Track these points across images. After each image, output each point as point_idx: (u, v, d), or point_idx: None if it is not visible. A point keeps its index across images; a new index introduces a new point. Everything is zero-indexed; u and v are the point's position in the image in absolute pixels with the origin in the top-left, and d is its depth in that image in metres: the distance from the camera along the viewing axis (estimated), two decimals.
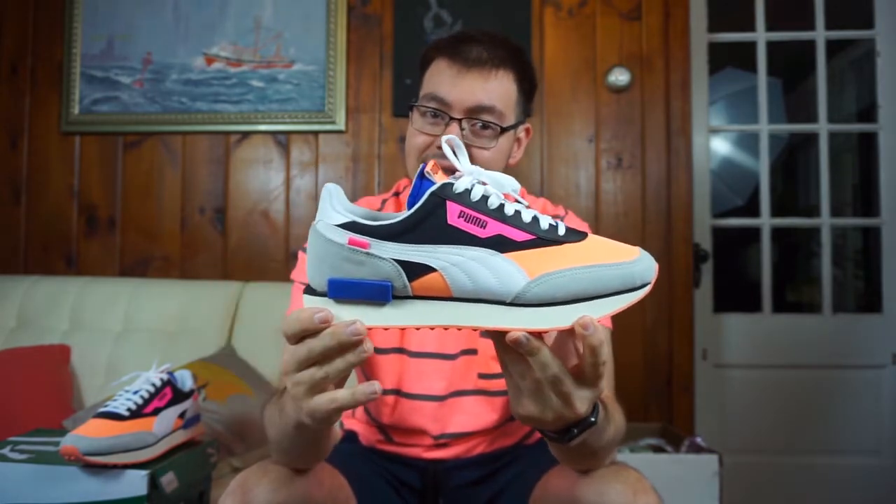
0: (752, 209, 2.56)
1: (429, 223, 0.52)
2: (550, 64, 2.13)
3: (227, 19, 2.18)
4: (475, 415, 0.99)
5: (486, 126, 0.93)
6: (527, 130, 1.03)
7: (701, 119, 2.25)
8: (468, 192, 0.54)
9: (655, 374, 2.06)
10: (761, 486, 2.26)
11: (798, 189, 3.63)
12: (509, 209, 0.54)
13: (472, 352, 0.98)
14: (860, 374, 2.28)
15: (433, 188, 0.53)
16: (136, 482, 0.94)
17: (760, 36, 2.35)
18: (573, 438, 0.61)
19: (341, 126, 2.14)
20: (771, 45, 2.36)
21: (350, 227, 0.53)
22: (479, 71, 0.93)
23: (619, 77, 2.10)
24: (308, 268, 0.55)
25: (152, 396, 1.04)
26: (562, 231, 0.54)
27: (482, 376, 0.98)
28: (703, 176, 2.26)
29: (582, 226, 1.03)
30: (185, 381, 1.12)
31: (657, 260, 0.58)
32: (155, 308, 1.87)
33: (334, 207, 0.54)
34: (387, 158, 2.15)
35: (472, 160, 0.92)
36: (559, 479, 0.84)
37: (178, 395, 1.08)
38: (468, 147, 0.92)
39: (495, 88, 0.93)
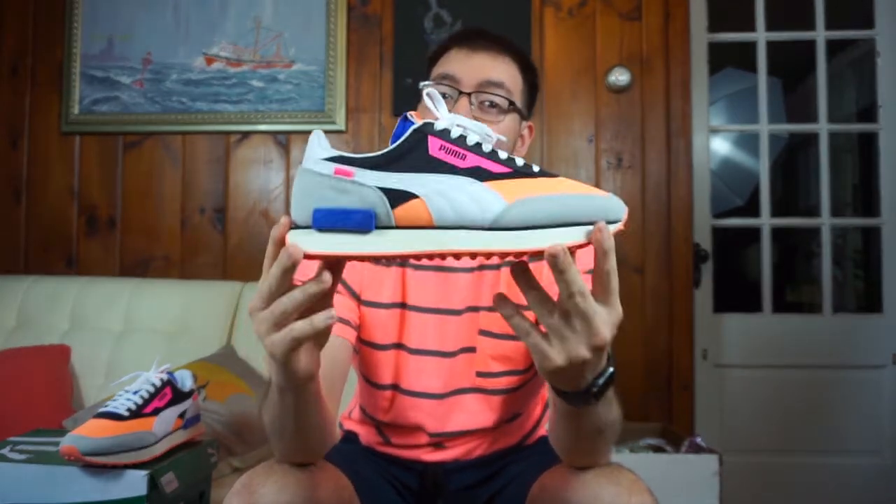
0: (752, 209, 2.56)
1: (411, 155, 0.55)
2: (550, 64, 2.13)
3: (227, 19, 2.19)
4: (474, 413, 0.99)
5: (492, 104, 0.96)
6: (529, 128, 1.05)
7: (701, 119, 2.25)
8: (447, 130, 0.56)
9: (655, 374, 2.06)
10: (761, 486, 2.26)
11: (798, 189, 3.63)
12: (486, 147, 0.56)
13: (471, 350, 0.99)
14: (860, 374, 2.28)
15: (415, 125, 0.56)
16: (136, 482, 0.94)
17: (760, 36, 2.35)
18: (599, 393, 0.62)
19: (341, 126, 2.14)
20: (771, 45, 2.36)
21: (335, 160, 0.55)
22: (488, 52, 0.98)
23: (619, 77, 2.10)
24: (293, 206, 0.56)
25: (152, 396, 1.04)
26: (536, 168, 0.57)
27: (480, 374, 0.98)
28: (703, 176, 2.26)
29: None
30: (185, 381, 1.12)
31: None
32: (155, 308, 1.87)
33: (321, 147, 0.56)
34: None
35: None
36: (555, 479, 0.84)
37: (178, 395, 1.08)
38: (477, 121, 0.94)
39: (503, 68, 0.98)
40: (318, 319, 0.55)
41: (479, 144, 0.56)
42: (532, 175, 0.56)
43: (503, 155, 0.56)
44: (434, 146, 0.55)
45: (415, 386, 0.99)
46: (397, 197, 0.54)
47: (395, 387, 0.99)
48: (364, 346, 1.00)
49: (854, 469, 2.26)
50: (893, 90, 2.31)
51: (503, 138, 0.59)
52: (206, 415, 1.43)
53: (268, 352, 0.57)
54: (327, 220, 0.54)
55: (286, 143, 2.17)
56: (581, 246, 0.54)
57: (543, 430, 1.12)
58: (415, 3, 2.14)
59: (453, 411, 0.99)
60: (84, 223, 2.21)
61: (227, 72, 2.18)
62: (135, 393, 1.03)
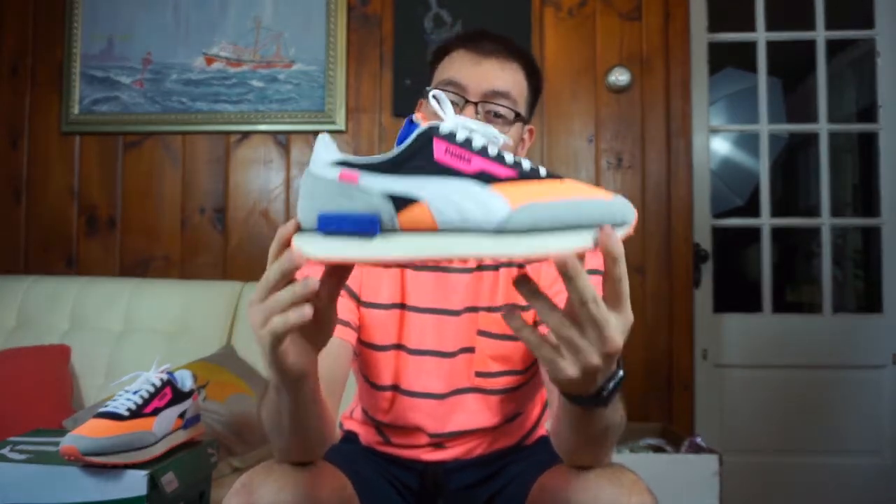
0: (752, 209, 2.56)
1: (416, 158, 0.55)
2: (550, 64, 2.13)
3: (227, 19, 2.19)
4: (474, 413, 0.99)
5: (498, 114, 0.96)
6: (530, 132, 1.05)
7: (701, 119, 2.25)
8: (453, 133, 0.56)
9: (655, 374, 2.06)
10: (761, 486, 2.26)
11: (798, 189, 3.63)
12: (492, 150, 0.56)
13: (470, 350, 0.99)
14: (860, 374, 2.28)
15: (420, 129, 0.56)
16: (136, 482, 0.94)
17: (760, 36, 2.35)
18: (610, 396, 0.61)
19: (341, 126, 2.14)
20: (771, 45, 2.36)
21: (341, 164, 0.56)
22: (496, 59, 0.97)
23: (619, 77, 2.10)
24: (299, 209, 0.56)
25: (152, 396, 1.03)
26: (543, 171, 0.56)
27: (479, 374, 0.99)
28: (703, 176, 2.26)
29: None
30: (185, 381, 1.12)
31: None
32: (155, 308, 1.87)
33: (327, 151, 0.57)
34: None
35: None
36: (555, 479, 0.84)
37: (178, 395, 1.08)
38: None
39: (510, 77, 0.97)
40: (292, 316, 0.55)
41: (485, 148, 0.56)
42: (539, 178, 0.55)
43: (510, 158, 0.56)
44: (439, 150, 0.55)
45: (415, 386, 0.99)
46: (402, 201, 0.54)
47: (396, 387, 0.99)
48: (364, 347, 1.00)
49: (854, 469, 2.26)
50: (893, 90, 2.31)
51: (509, 141, 0.58)
52: (206, 415, 1.43)
53: (259, 343, 0.58)
54: (332, 225, 0.54)
55: (286, 143, 2.17)
56: (589, 251, 0.53)
57: (543, 430, 1.12)
58: (415, 3, 2.13)
59: (454, 411, 0.99)
60: (84, 223, 2.21)
61: (227, 72, 2.18)
62: (135, 393, 1.03)
